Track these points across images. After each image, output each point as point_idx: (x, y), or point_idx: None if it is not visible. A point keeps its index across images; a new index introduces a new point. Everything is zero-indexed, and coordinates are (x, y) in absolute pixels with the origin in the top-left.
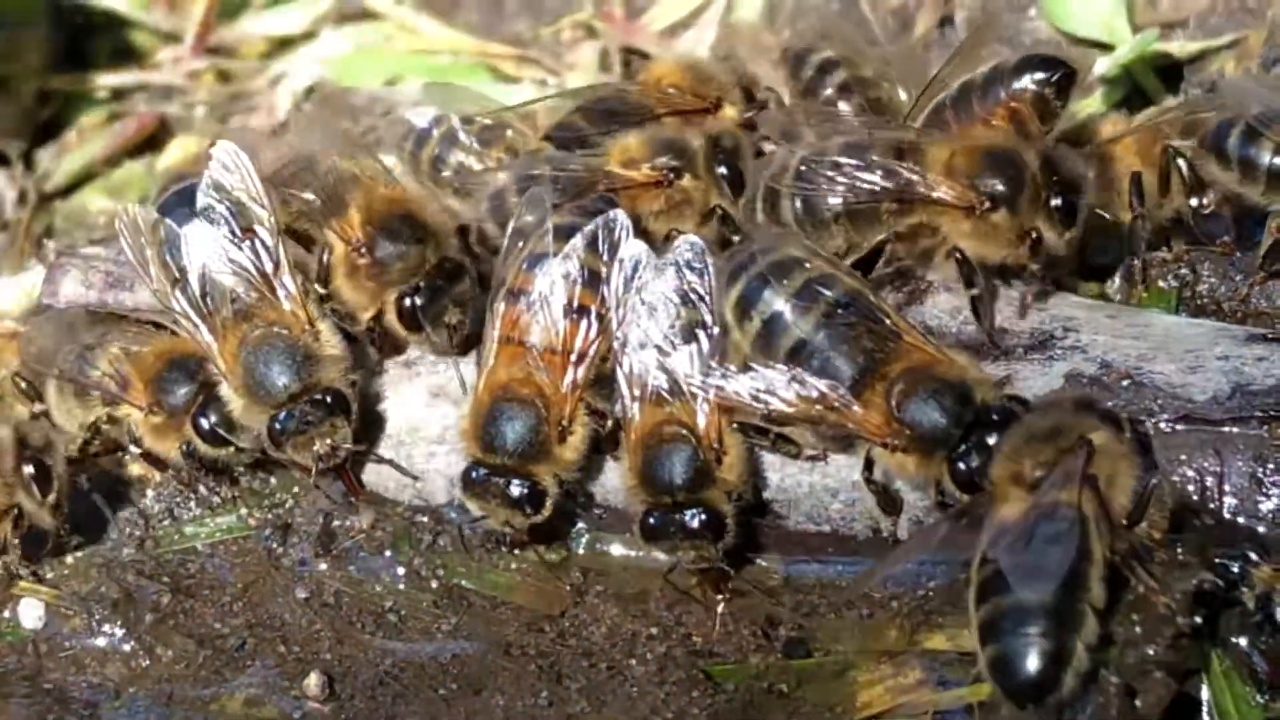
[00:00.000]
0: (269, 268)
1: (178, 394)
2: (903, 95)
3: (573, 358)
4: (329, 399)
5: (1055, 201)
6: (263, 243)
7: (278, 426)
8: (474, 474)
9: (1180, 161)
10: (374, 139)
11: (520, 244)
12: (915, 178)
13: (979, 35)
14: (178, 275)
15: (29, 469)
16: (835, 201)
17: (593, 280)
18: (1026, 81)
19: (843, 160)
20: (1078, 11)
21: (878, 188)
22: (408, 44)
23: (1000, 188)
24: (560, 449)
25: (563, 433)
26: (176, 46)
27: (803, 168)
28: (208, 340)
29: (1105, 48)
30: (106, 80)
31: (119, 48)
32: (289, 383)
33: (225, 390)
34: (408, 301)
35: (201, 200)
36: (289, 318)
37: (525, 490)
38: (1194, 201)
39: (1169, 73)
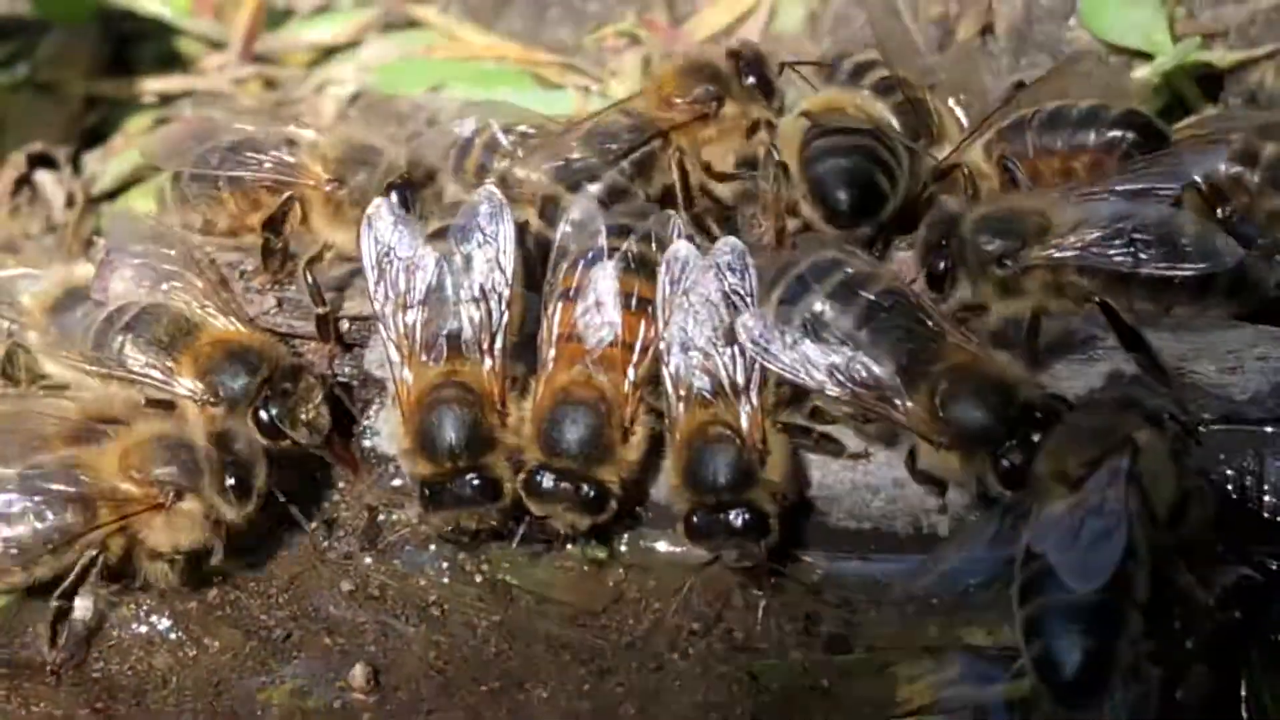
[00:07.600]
0: None
1: (236, 385)
2: (950, 102)
3: (633, 356)
4: None
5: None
6: None
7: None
8: (540, 478)
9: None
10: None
11: (573, 245)
12: None
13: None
14: None
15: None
16: None
17: (650, 274)
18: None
19: None
20: (1118, 21)
21: None
22: (451, 51)
23: None
24: (623, 449)
25: (625, 433)
26: (222, 53)
27: None
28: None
29: (1145, 57)
30: (153, 86)
31: (165, 54)
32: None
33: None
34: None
35: None
36: None
37: (594, 493)
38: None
39: (1209, 82)
